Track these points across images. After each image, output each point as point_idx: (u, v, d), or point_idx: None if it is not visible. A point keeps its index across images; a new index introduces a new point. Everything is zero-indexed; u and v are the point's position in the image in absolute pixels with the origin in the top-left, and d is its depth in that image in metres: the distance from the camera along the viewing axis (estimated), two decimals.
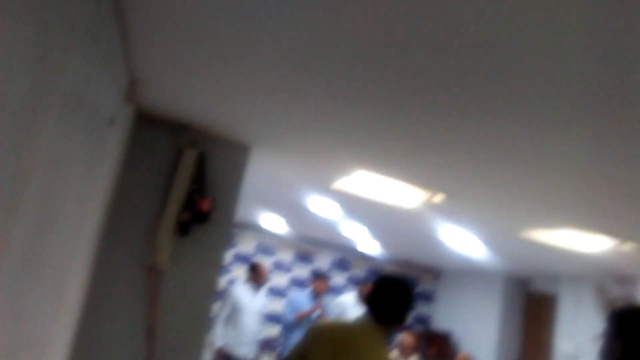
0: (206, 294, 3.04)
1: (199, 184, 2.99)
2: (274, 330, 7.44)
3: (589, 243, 4.02)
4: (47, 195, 1.43)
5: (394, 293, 2.33)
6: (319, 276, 6.28)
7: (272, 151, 3.42)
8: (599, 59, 1.52)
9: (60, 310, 2.11)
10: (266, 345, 6.94)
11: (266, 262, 7.95)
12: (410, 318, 7.96)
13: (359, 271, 8.39)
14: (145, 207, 2.97)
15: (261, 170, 4.08)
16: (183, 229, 2.95)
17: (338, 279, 8.26)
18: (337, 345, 2.17)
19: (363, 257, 8.37)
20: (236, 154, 3.17)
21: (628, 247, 3.90)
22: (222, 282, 6.63)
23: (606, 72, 1.59)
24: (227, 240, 3.11)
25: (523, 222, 3.97)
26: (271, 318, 7.42)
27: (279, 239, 8.09)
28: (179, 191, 2.95)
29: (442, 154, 2.77)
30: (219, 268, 3.10)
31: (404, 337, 5.35)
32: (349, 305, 6.23)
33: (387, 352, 2.25)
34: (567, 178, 2.76)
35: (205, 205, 2.95)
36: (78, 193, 1.89)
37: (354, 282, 8.28)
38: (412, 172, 3.26)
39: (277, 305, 7.69)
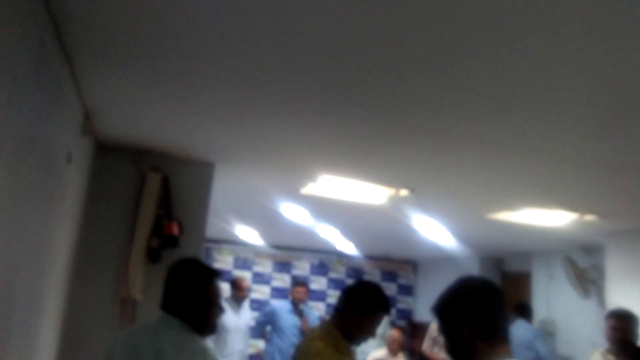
0: None
1: (166, 208, 3.00)
2: (261, 344, 7.43)
3: (551, 219, 4.17)
4: (5, 242, 1.44)
5: None
6: (297, 283, 6.19)
7: (237, 165, 3.45)
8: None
9: (33, 352, 2.09)
10: (256, 359, 6.92)
11: (246, 275, 7.95)
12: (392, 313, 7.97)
13: (339, 273, 8.46)
14: (114, 238, 2.96)
15: (229, 185, 4.11)
16: (154, 256, 2.95)
17: (317, 284, 8.30)
18: None
19: (342, 257, 8.44)
20: (200, 174, 3.19)
21: (589, 218, 4.06)
22: None
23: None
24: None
25: (487, 205, 4.09)
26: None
27: (257, 251, 8.09)
28: (146, 218, 2.95)
29: (400, 149, 2.85)
30: None
31: (392, 334, 5.39)
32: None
33: None
34: (521, 159, 2.87)
35: (174, 229, 2.95)
36: (41, 233, 1.89)
37: (335, 284, 8.35)
38: (374, 171, 3.34)
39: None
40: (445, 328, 1.40)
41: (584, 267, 5.39)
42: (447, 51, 1.68)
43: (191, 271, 1.97)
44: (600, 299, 5.05)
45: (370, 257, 8.53)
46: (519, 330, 5.31)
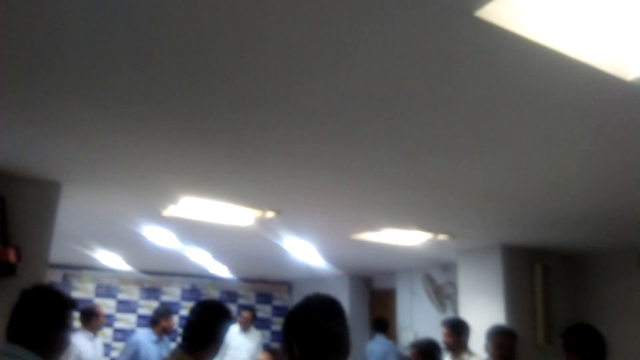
0: None
1: (1, 233, 2.68)
2: None
3: (410, 238, 4.42)
4: None
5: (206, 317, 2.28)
6: (161, 313, 5.71)
7: (89, 186, 3.21)
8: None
9: None
10: None
11: (110, 303, 7.40)
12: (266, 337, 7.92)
13: (212, 297, 8.20)
14: None
15: (83, 207, 3.81)
16: None
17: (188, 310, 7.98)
18: None
19: (215, 281, 8.21)
20: (43, 194, 2.91)
21: (442, 237, 4.38)
22: None
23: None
24: None
25: (351, 226, 4.23)
26: None
27: (121, 277, 7.58)
28: None
29: (260, 172, 2.84)
30: None
31: (260, 357, 5.32)
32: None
33: None
34: (375, 183, 3.01)
35: (10, 256, 2.65)
36: None
37: None
38: (237, 192, 3.30)
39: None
40: (285, 347, 1.39)
41: (441, 283, 5.78)
42: (297, 76, 1.71)
43: (47, 299, 1.80)
44: (455, 312, 5.44)
45: (245, 280, 8.40)
46: (376, 345, 5.57)
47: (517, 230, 4.19)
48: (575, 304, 4.96)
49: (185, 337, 2.24)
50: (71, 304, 1.85)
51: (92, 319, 5.00)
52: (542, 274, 4.73)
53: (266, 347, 7.24)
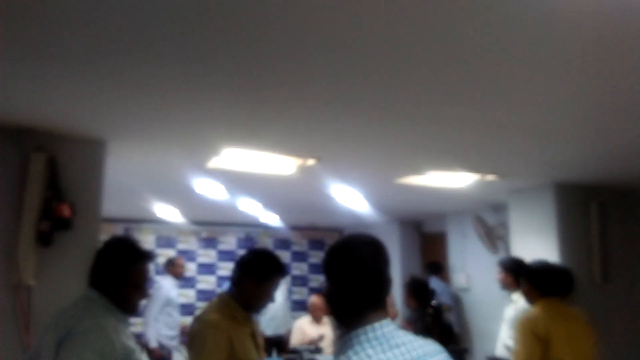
0: None
1: (54, 190, 2.83)
2: (187, 321, 7.36)
3: (456, 180, 4.33)
4: None
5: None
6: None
7: (133, 142, 3.30)
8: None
9: None
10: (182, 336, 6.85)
11: (170, 253, 7.78)
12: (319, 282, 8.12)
13: (267, 245, 8.45)
14: None
15: (134, 163, 3.94)
16: (45, 239, 2.79)
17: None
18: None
19: (268, 230, 8.43)
20: (91, 152, 3.03)
21: (490, 178, 4.25)
22: None
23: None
24: (96, 243, 2.98)
25: (395, 170, 4.18)
26: (184, 308, 7.32)
27: (179, 228, 7.91)
28: (32, 200, 2.78)
29: (299, 118, 2.83)
30: None
31: (312, 300, 5.46)
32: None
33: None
34: (418, 124, 2.93)
35: (65, 211, 2.80)
36: None
37: None
38: (277, 141, 3.30)
39: (189, 294, 7.63)
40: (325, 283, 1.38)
41: (492, 224, 5.68)
42: (342, 23, 1.66)
43: (116, 251, 1.96)
44: (508, 253, 5.35)
45: (297, 228, 8.57)
46: (431, 286, 5.58)
47: (570, 168, 4.01)
48: (633, 241, 4.76)
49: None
50: (141, 257, 1.95)
51: (174, 267, 6.11)
52: (598, 211, 4.55)
53: (318, 291, 7.44)
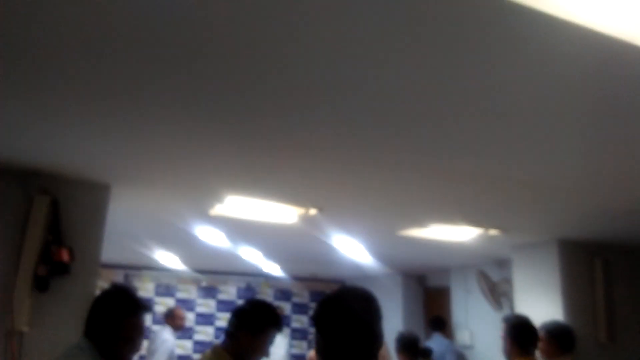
0: None
1: (55, 234, 2.83)
2: None
3: (459, 234, 4.30)
4: None
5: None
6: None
7: (137, 187, 3.33)
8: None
9: None
10: None
11: (169, 302, 7.66)
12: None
13: (267, 295, 8.32)
14: None
15: (136, 208, 3.96)
16: (42, 284, 2.77)
17: None
18: None
19: (269, 279, 8.32)
20: (94, 196, 3.04)
21: (493, 232, 4.23)
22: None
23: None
24: (93, 290, 2.94)
25: (397, 222, 4.17)
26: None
27: (179, 276, 7.82)
28: (32, 243, 2.77)
29: (301, 168, 2.85)
30: None
31: (312, 356, 5.33)
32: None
33: None
34: (421, 177, 2.94)
35: (64, 256, 2.79)
36: None
37: None
38: (280, 190, 3.32)
39: (186, 346, 7.44)
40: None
41: (496, 280, 5.59)
42: (343, 75, 1.70)
43: (112, 301, 1.93)
44: (512, 310, 5.24)
45: (298, 278, 8.46)
46: (433, 344, 5.43)
47: (574, 224, 3.99)
48: (639, 299, 4.66)
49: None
50: (137, 310, 1.91)
51: (174, 318, 5.97)
52: (603, 269, 4.48)
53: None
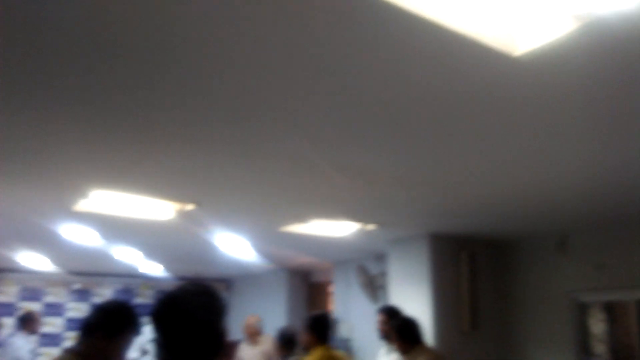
0: None
1: None
2: None
3: (338, 229, 4.40)
4: None
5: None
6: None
7: None
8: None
9: None
10: None
11: (35, 307, 7.03)
12: None
13: (145, 297, 7.94)
14: None
15: None
16: None
17: None
18: None
19: (149, 280, 7.95)
20: None
21: (370, 227, 4.37)
22: None
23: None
24: None
25: (278, 218, 4.16)
26: None
27: (48, 279, 7.20)
28: None
29: (173, 161, 2.72)
30: None
31: (250, 320, 5.39)
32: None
33: None
34: (297, 172, 2.94)
35: None
36: None
37: (144, 310, 7.82)
38: (150, 185, 3.15)
39: (53, 353, 6.86)
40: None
41: (374, 273, 5.80)
42: (226, 63, 1.62)
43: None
44: (387, 302, 5.47)
45: (182, 278, 8.16)
46: None
47: (444, 219, 4.24)
48: (499, 290, 5.09)
49: None
50: None
51: (31, 322, 5.58)
52: (468, 261, 4.83)
53: None
